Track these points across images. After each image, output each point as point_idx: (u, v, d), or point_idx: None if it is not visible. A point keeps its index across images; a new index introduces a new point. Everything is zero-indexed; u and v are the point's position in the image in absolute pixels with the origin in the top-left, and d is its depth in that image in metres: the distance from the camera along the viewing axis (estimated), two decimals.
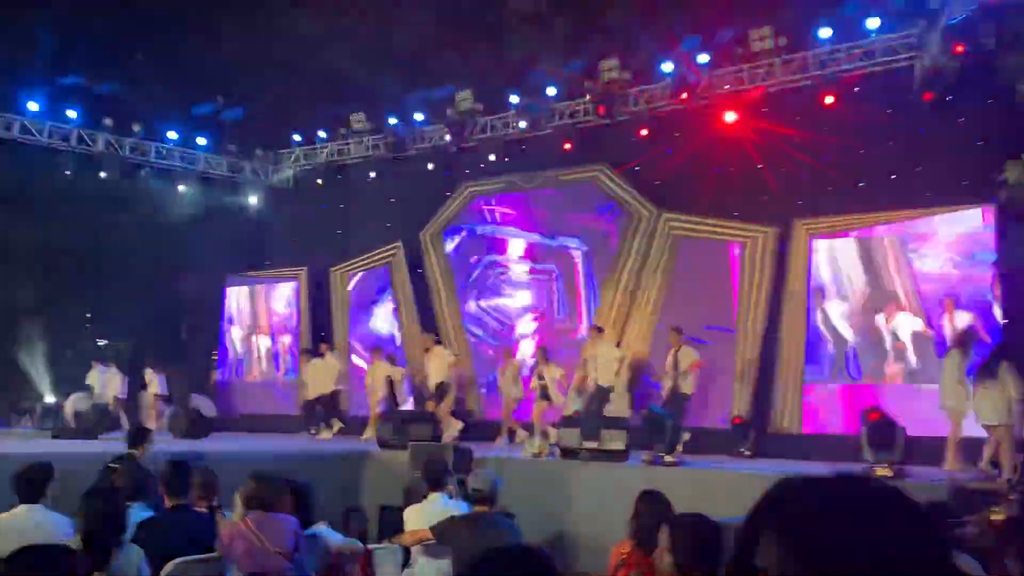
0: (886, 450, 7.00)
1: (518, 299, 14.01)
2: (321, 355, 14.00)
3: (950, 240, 10.49)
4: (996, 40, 9.68)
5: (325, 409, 13.69)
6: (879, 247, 10.95)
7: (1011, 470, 7.50)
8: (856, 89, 11.48)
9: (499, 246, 14.37)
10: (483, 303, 14.28)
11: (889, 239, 10.89)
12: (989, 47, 9.81)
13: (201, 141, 16.24)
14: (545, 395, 11.61)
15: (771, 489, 1.01)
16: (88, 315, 18.88)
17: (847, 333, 11.05)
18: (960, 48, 9.93)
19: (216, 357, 17.37)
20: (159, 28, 15.26)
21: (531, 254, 13.99)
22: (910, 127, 11.00)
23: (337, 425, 13.45)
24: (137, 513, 4.78)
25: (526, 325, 13.78)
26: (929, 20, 10.24)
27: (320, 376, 13.71)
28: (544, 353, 12.02)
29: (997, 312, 9.91)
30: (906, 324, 10.62)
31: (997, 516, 4.34)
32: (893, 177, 11.18)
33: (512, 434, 11.96)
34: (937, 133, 10.78)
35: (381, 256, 15.33)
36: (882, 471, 6.90)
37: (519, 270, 14.10)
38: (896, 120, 11.15)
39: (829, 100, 11.40)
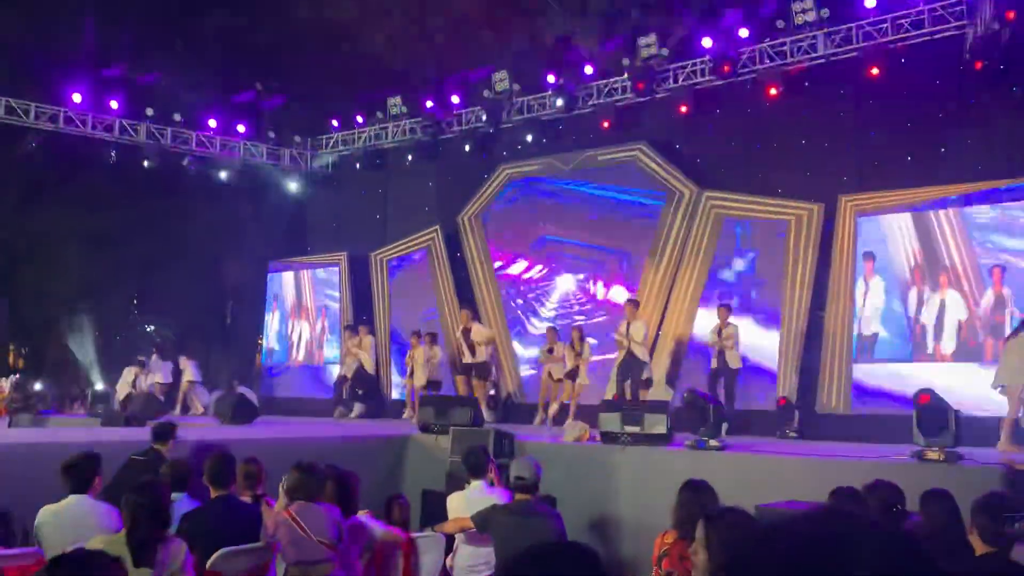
0: (937, 434, 6.81)
1: (563, 283, 13.88)
2: (358, 334, 14.16)
3: (1003, 215, 10.16)
4: None
5: (357, 389, 13.89)
6: (928, 222, 10.65)
7: None
8: (903, 60, 11.14)
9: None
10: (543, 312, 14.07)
11: (938, 214, 10.59)
12: None
13: (240, 129, 16.37)
14: (573, 376, 11.51)
15: (742, 541, 0.96)
16: (135, 301, 19.27)
17: (897, 311, 10.80)
18: (1012, 14, 9.55)
19: (261, 342, 17.60)
20: (197, 16, 15.37)
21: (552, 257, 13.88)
22: (960, 98, 10.67)
23: (359, 409, 13.57)
24: (183, 504, 4.84)
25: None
26: None
27: (354, 356, 13.91)
28: (580, 333, 11.88)
29: None
30: (958, 302, 10.35)
31: None
32: (943, 150, 10.86)
33: (556, 411, 11.86)
34: (989, 104, 10.44)
35: (420, 240, 15.35)
36: (932, 455, 6.73)
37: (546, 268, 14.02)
38: (945, 91, 10.82)
39: (875, 72, 11.08)
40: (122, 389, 14.13)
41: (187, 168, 15.86)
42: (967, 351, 10.21)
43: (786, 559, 0.87)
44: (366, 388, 14.11)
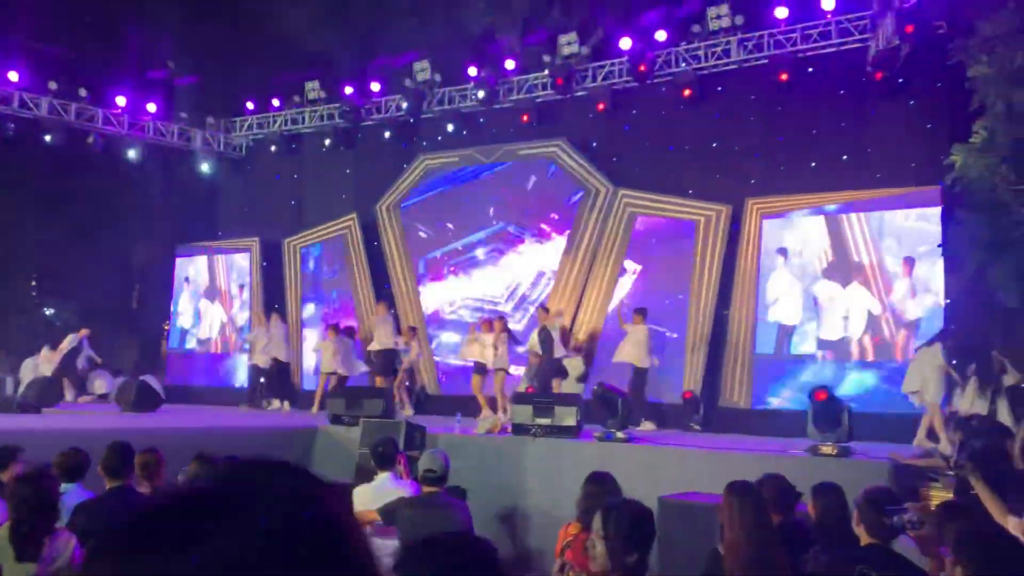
0: (831, 429, 7.13)
1: (487, 279, 13.86)
2: (270, 322, 13.83)
3: (899, 221, 10.66)
4: (947, 23, 9.79)
5: (268, 381, 13.58)
6: (831, 227, 11.09)
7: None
8: (810, 69, 11.56)
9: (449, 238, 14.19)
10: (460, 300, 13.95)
11: (839, 219, 11.03)
12: (940, 30, 9.92)
13: (151, 107, 15.81)
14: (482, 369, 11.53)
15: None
16: (34, 283, 18.42)
17: (799, 310, 11.20)
18: (910, 28, 10.00)
19: (167, 328, 17.08)
20: None
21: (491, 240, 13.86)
22: (862, 108, 11.15)
23: (276, 403, 13.24)
24: (74, 496, 4.66)
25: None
26: (883, 1, 10.30)
27: (263, 346, 13.58)
28: (503, 325, 11.84)
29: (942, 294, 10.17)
30: (860, 302, 10.79)
31: (936, 500, 4.44)
32: (844, 158, 11.32)
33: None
34: (888, 115, 10.94)
35: (336, 227, 15.14)
36: (826, 449, 7.04)
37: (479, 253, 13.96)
38: (848, 100, 11.29)
39: (784, 79, 11.46)
40: (26, 372, 13.44)
41: (92, 146, 15.21)
42: (876, 349, 10.67)
43: None
44: (281, 380, 13.78)
